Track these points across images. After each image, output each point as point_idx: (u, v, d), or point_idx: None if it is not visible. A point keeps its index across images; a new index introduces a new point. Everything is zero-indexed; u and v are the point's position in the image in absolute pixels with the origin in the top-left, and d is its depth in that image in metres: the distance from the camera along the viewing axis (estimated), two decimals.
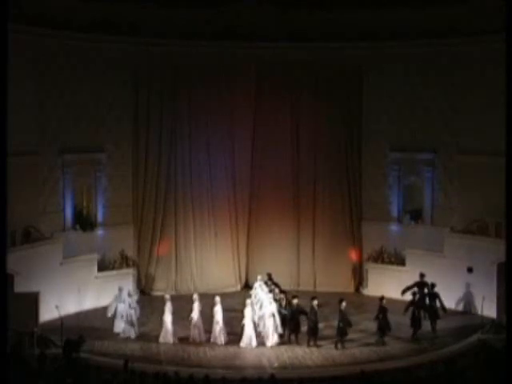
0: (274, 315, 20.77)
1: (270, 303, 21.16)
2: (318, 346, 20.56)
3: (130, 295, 21.87)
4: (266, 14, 25.97)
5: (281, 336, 21.01)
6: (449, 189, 25.72)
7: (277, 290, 22.11)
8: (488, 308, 22.31)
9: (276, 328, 20.81)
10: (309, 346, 20.58)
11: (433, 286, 22.09)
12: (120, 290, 22.14)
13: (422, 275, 22.61)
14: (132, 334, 21.44)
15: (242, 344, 20.70)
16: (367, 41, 25.81)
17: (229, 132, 27.05)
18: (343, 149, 27.00)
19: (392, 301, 22.94)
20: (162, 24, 25.57)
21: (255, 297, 22.69)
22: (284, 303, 21.38)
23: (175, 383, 15.89)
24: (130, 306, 21.75)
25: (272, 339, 20.75)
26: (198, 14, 25.94)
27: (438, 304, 21.91)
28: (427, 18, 25.08)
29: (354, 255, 26.89)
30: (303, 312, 20.83)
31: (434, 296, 21.92)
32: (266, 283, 22.86)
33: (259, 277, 23.47)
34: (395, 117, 26.38)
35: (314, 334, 20.62)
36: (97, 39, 24.73)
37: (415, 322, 21.14)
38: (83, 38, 24.43)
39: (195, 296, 21.41)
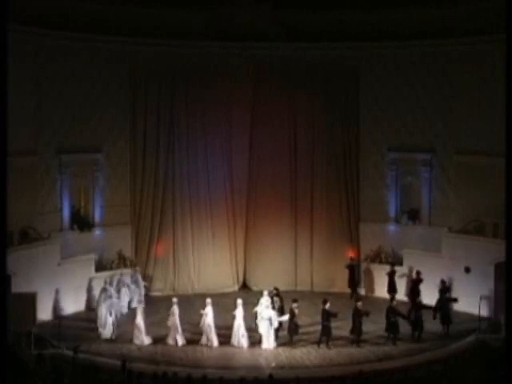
0: (270, 319, 20.74)
1: (267, 307, 21.04)
2: (329, 348, 20.53)
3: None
4: (263, 14, 25.97)
5: (277, 338, 20.99)
6: (446, 189, 25.74)
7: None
8: (485, 308, 22.35)
9: (271, 331, 20.75)
10: (324, 346, 20.55)
11: (443, 283, 22.31)
12: (104, 289, 22.37)
13: (443, 282, 22.74)
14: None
15: (234, 342, 20.77)
16: (365, 41, 25.83)
17: (226, 132, 27.03)
18: (341, 149, 26.99)
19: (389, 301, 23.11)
20: (160, 24, 25.57)
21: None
22: (277, 306, 21.32)
23: None
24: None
25: (268, 342, 20.73)
26: (196, 14, 25.95)
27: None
28: (425, 18, 25.12)
29: (351, 255, 26.86)
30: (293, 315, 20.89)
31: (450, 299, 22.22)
32: (272, 298, 21.78)
33: (265, 292, 21.68)
34: (393, 117, 26.39)
35: (326, 336, 20.61)
36: (94, 39, 24.72)
37: (418, 324, 21.17)
38: (81, 38, 24.43)
39: (174, 299, 21.42)
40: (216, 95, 26.65)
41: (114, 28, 24.96)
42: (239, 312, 20.92)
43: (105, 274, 24.20)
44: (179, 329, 20.94)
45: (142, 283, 24.87)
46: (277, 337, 21.02)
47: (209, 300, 21.14)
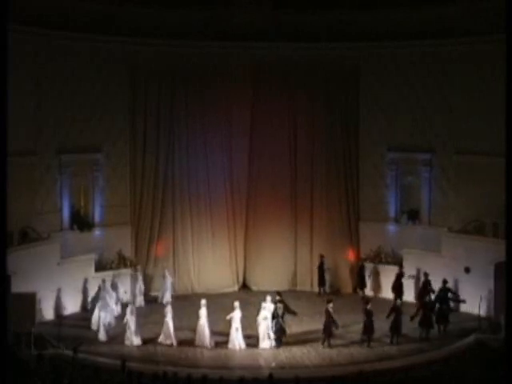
0: (266, 319, 20.76)
1: (264, 308, 21.03)
2: (370, 347, 20.65)
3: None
4: (263, 15, 25.98)
5: (275, 340, 20.92)
6: (446, 189, 25.76)
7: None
8: (485, 308, 22.34)
9: (268, 331, 20.72)
10: (368, 346, 20.65)
11: (445, 283, 22.28)
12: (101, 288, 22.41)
13: (445, 282, 22.60)
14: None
15: (197, 342, 20.78)
16: (365, 41, 25.84)
17: (226, 132, 27.04)
18: (340, 149, 26.99)
19: (388, 301, 23.07)
20: (160, 24, 25.59)
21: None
22: (281, 312, 21.18)
23: None
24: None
25: (264, 342, 20.70)
26: (196, 14, 25.95)
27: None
28: (425, 18, 25.13)
29: (351, 255, 26.89)
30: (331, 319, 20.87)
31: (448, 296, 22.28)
32: (275, 303, 21.39)
33: (269, 297, 21.43)
34: (393, 117, 26.42)
35: (369, 334, 20.79)
36: (94, 39, 24.74)
37: (428, 323, 21.34)
38: (81, 38, 24.45)
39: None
40: (216, 95, 26.65)
41: (114, 28, 24.98)
42: (203, 312, 20.93)
43: (104, 274, 24.19)
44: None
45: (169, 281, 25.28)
46: (280, 341, 20.86)
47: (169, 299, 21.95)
